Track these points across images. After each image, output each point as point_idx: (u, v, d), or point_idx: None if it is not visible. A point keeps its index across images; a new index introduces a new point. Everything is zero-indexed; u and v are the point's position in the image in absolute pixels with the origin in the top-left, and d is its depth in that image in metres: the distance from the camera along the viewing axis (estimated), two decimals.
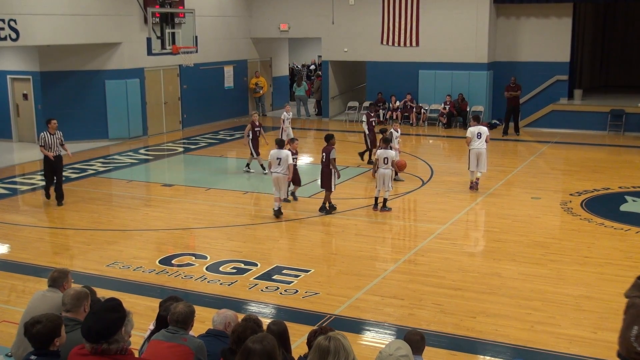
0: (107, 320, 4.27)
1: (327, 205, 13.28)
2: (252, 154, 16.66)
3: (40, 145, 13.83)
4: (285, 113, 18.36)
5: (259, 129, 16.58)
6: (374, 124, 17.40)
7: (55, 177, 14.08)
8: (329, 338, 4.01)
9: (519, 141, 21.44)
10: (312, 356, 4.04)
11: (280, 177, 12.87)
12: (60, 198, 14.14)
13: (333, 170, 13.05)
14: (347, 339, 4.12)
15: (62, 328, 4.82)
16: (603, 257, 10.79)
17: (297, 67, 33.63)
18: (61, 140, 13.96)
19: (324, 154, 13.14)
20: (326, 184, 13.13)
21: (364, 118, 17.51)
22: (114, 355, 4.24)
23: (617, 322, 8.41)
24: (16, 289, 9.92)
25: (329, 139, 13.15)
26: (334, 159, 13.10)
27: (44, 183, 14.52)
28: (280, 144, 13.10)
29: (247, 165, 17.05)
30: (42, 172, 14.59)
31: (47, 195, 14.39)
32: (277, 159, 12.85)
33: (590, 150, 19.87)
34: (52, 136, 13.76)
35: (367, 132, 17.30)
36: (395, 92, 24.41)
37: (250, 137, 16.51)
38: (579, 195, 14.47)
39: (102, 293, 6.98)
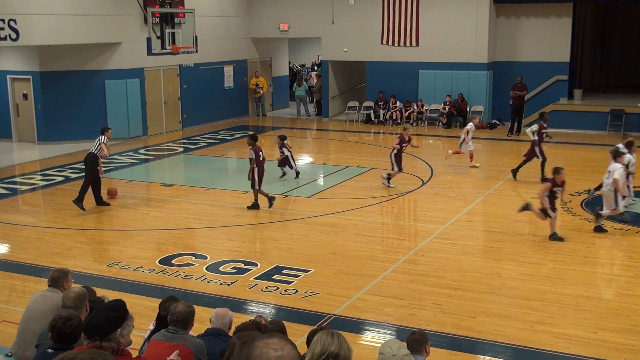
0: (105, 317, 4.29)
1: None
2: (394, 167, 15.32)
3: (106, 158, 13.00)
4: (471, 123, 17.40)
5: (407, 144, 15.44)
6: (544, 136, 15.99)
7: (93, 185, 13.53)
8: (332, 332, 4.01)
9: (519, 141, 21.41)
10: (313, 346, 4.03)
11: (604, 192, 12.20)
12: (104, 202, 13.82)
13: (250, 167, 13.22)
14: (347, 339, 4.11)
15: None
16: (603, 257, 10.79)
17: (296, 67, 33.63)
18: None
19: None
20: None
21: (535, 128, 15.80)
22: None
23: (616, 322, 8.45)
24: (16, 289, 9.93)
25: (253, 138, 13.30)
26: (252, 159, 13.22)
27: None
28: (615, 154, 12.10)
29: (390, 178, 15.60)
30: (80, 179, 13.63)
31: (82, 205, 13.44)
32: (607, 172, 12.07)
33: (590, 150, 19.85)
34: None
35: (537, 142, 15.74)
36: (395, 92, 24.41)
37: (395, 151, 15.30)
38: (579, 195, 14.46)
39: (102, 293, 6.99)
